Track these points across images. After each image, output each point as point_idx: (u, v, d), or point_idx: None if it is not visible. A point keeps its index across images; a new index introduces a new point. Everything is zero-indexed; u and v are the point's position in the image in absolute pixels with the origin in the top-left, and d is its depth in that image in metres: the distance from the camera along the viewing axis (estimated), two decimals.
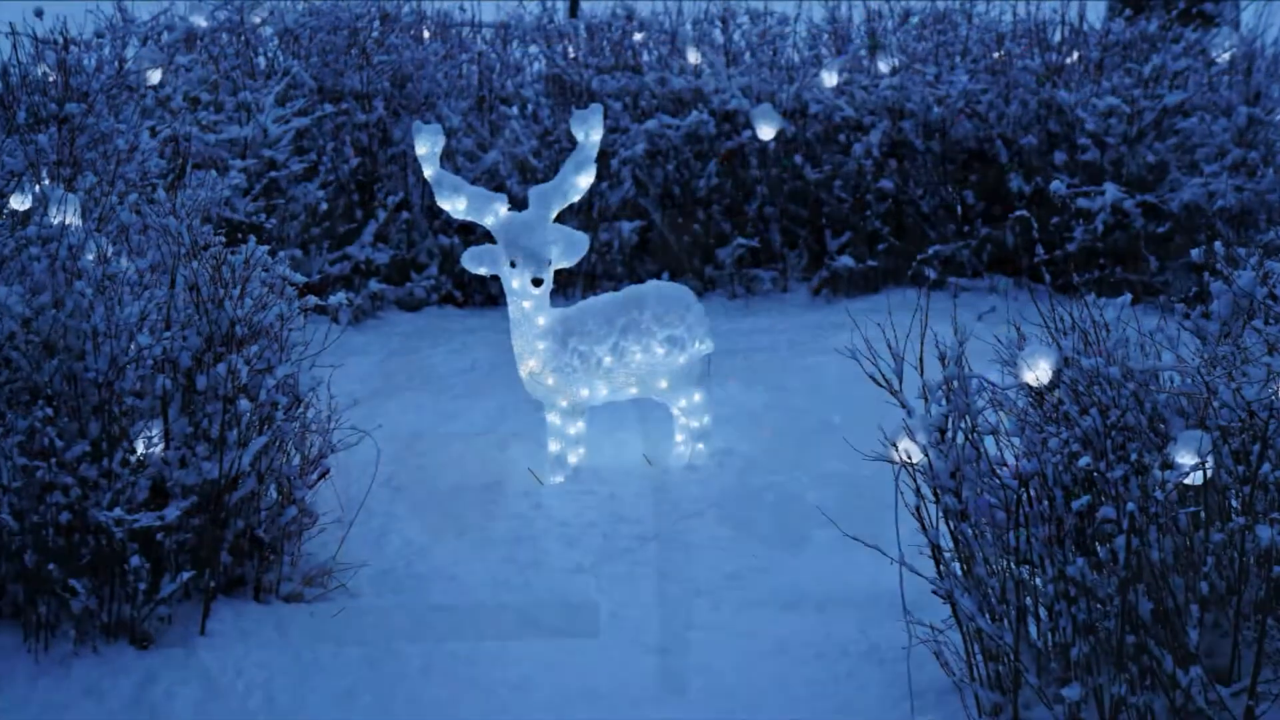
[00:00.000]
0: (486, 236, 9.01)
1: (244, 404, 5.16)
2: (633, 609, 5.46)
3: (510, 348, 6.54)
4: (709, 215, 9.94)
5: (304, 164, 9.08)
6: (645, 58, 10.42)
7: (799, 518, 6.15)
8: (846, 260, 9.70)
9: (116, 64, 8.02)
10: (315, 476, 5.56)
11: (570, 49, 10.38)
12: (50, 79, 6.74)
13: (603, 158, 9.66)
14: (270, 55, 9.62)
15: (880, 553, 4.92)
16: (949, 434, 4.59)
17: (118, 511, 4.92)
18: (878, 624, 5.22)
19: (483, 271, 6.41)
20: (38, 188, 5.49)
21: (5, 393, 5.00)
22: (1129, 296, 4.72)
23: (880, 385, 4.81)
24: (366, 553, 5.82)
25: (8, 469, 4.91)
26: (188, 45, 9.28)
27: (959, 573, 4.67)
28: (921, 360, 4.77)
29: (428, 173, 6.44)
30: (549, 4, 11.03)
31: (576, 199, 6.49)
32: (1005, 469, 4.54)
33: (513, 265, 6.28)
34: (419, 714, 4.85)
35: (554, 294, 6.57)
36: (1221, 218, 8.98)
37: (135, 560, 4.97)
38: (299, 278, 5.55)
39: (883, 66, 10.05)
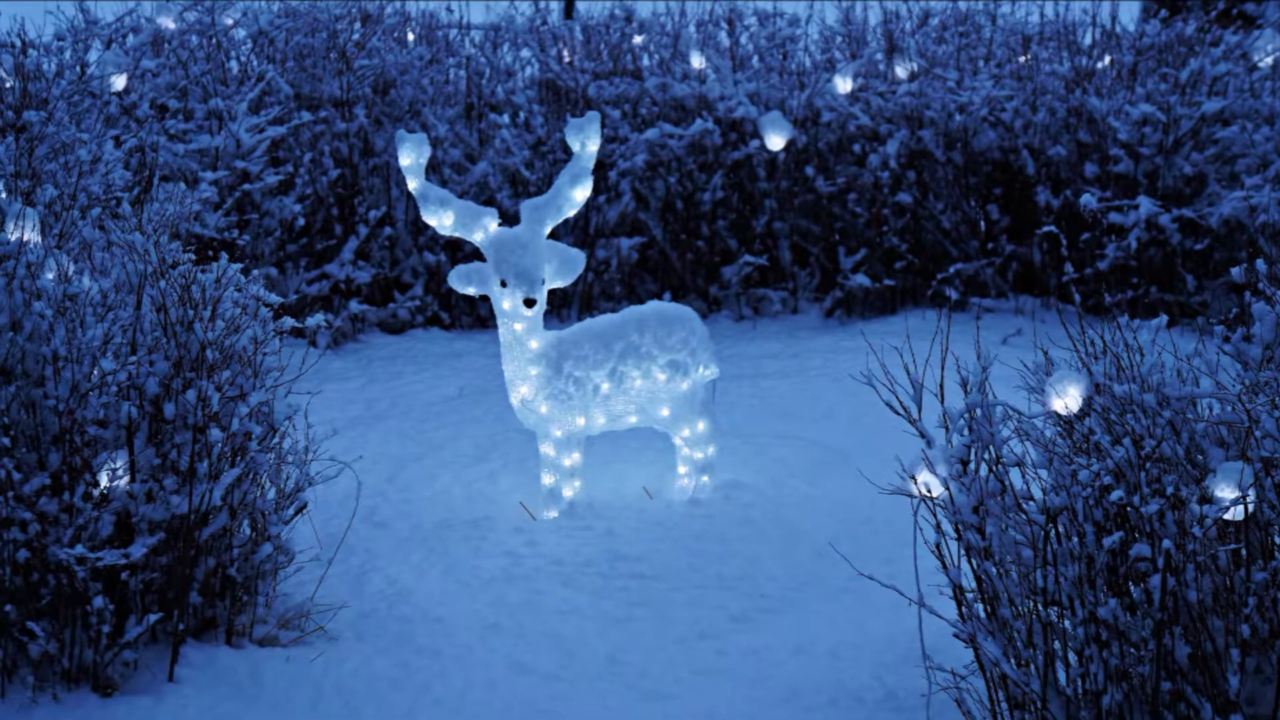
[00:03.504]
0: (475, 254, 9.05)
1: (215, 433, 5.18)
2: (632, 653, 5.48)
3: (501, 373, 6.56)
4: (714, 231, 9.99)
5: (280, 176, 9.12)
6: (646, 62, 10.47)
7: (810, 555, 6.17)
8: (861, 279, 9.73)
9: (78, 69, 8.06)
10: (292, 511, 5.57)
11: (565, 53, 10.43)
12: (7, 85, 6.77)
13: (600, 169, 9.71)
14: (243, 59, 9.66)
15: (897, 593, 4.94)
16: (971, 466, 4.61)
17: (79, 549, 4.93)
18: (894, 670, 5.24)
19: (471, 291, 6.43)
20: None
21: None
22: (1164, 318, 4.74)
23: (898, 414, 4.83)
24: (346, 593, 5.84)
25: None
26: (155, 49, 9.32)
27: (982, 614, 4.68)
28: (942, 387, 4.79)
29: (412, 185, 6.46)
30: (543, 5, 11.09)
31: (572, 213, 6.52)
32: (1031, 503, 4.56)
33: (503, 285, 6.31)
34: None
35: (548, 315, 6.60)
36: (1264, 233, 9.01)
37: (98, 601, 4.98)
38: (274, 298, 5.57)
39: (900, 71, 10.10)
